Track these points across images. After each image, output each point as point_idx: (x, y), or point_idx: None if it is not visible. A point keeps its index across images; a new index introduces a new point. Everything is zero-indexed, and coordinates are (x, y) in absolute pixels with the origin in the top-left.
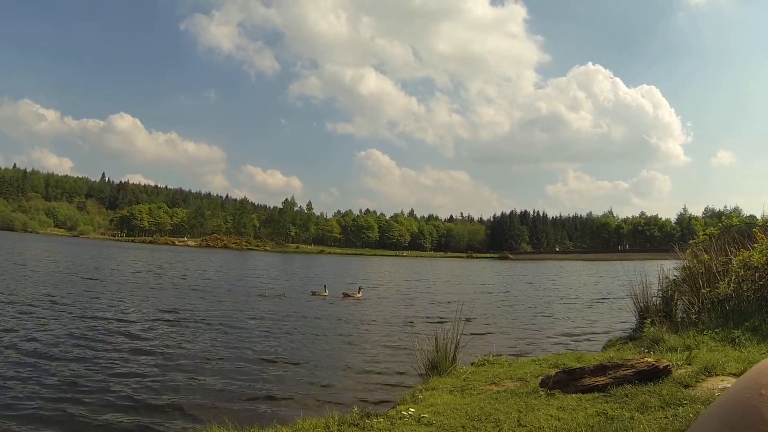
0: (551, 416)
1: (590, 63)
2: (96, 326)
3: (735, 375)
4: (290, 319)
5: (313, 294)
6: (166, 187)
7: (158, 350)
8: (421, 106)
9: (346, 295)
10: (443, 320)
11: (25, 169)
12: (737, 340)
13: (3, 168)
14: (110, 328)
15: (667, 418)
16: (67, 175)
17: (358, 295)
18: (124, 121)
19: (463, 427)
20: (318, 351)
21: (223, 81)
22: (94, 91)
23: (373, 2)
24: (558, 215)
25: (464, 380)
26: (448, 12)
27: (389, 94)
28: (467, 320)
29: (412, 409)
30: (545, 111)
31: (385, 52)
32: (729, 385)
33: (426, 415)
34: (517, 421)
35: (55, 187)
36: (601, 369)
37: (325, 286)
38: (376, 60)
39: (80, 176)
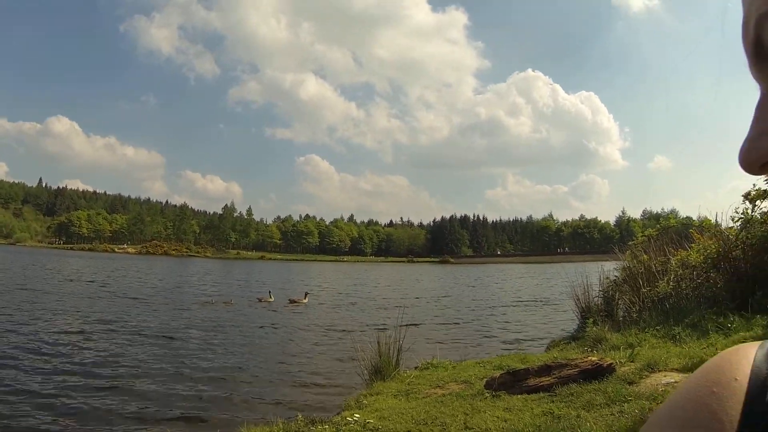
0: (498, 417)
1: (530, 69)
2: (15, 341)
3: (677, 370)
4: (236, 326)
5: (259, 300)
6: (105, 192)
7: (88, 365)
8: (361, 111)
9: (292, 301)
10: (386, 326)
11: None
12: (678, 337)
13: None
14: (33, 343)
15: (613, 414)
16: (2, 180)
17: (305, 301)
18: (62, 125)
19: (409, 431)
20: (261, 359)
21: (163, 85)
22: (31, 92)
23: (313, 8)
24: (498, 219)
25: (408, 384)
26: (388, 18)
27: (329, 99)
28: (410, 325)
29: (357, 415)
30: (485, 116)
31: (325, 57)
32: (672, 380)
33: (371, 421)
34: (464, 423)
35: None
36: (545, 369)
37: (269, 292)
38: (316, 65)
39: (16, 181)
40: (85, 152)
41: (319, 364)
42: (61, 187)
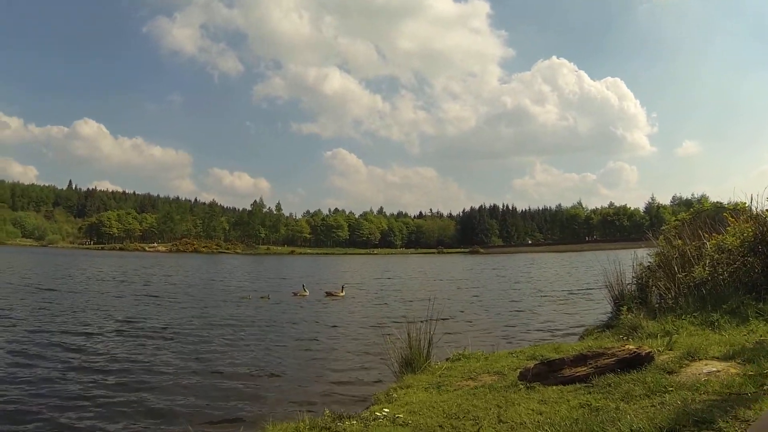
0: (533, 410)
1: (554, 57)
2: (61, 341)
3: (718, 358)
4: (272, 322)
5: (294, 294)
6: (134, 192)
7: (122, 365)
8: (386, 103)
9: (329, 294)
10: (418, 318)
11: None
12: (716, 324)
13: None
14: (74, 343)
15: (654, 406)
16: (33, 184)
17: (342, 294)
18: (89, 127)
19: (440, 426)
20: (293, 355)
21: (187, 84)
22: (57, 97)
23: (335, 1)
24: (527, 208)
25: (440, 376)
26: (410, 9)
27: (353, 93)
28: (441, 318)
29: (386, 410)
30: (510, 105)
31: (348, 51)
32: (714, 369)
33: (401, 415)
34: (497, 417)
35: (21, 196)
36: (581, 359)
37: (303, 286)
38: (340, 59)
39: (47, 184)
40: (113, 154)
41: (351, 358)
42: (90, 188)
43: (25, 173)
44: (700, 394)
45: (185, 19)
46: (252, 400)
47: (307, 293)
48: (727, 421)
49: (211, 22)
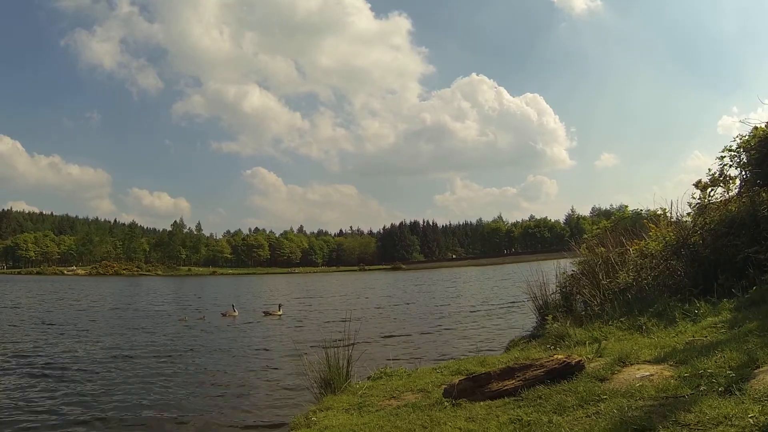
0: (459, 429)
1: (474, 73)
2: None
3: (650, 362)
4: (192, 346)
5: (223, 315)
6: (51, 213)
7: None
8: (306, 121)
9: (267, 314)
10: (339, 338)
11: None
12: (645, 327)
13: None
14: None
15: (590, 416)
16: None
17: (279, 312)
18: (3, 144)
19: None
20: (217, 378)
21: (106, 100)
22: None
23: (256, 18)
24: (448, 223)
25: (361, 396)
26: (331, 26)
27: (273, 111)
28: (362, 336)
29: None
30: (430, 122)
31: (268, 68)
32: (647, 373)
33: None
34: None
35: None
36: (508, 372)
37: (233, 306)
38: (260, 76)
39: None
40: (29, 172)
41: (272, 381)
42: (5, 209)
43: None
44: (636, 401)
45: (105, 33)
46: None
47: (236, 314)
48: (668, 427)
49: (131, 37)
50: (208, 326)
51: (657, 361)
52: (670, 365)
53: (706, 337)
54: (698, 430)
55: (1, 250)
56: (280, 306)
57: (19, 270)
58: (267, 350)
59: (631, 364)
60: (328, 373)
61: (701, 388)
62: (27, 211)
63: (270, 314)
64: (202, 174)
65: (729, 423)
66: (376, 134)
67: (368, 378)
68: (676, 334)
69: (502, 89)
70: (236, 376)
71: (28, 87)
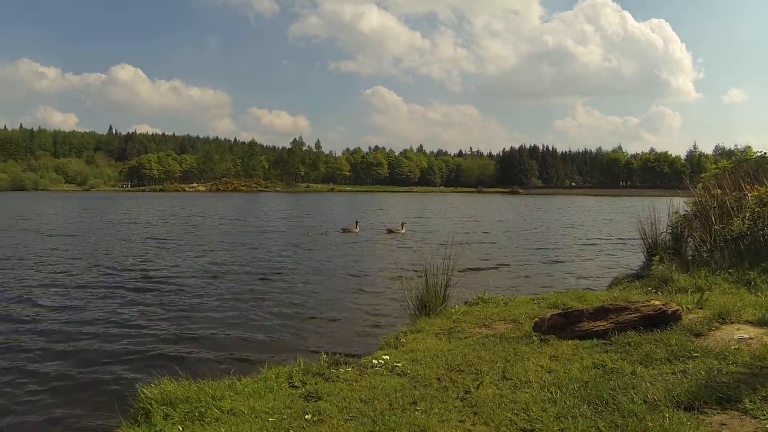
0: (541, 367)
1: None
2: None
3: (752, 323)
4: (312, 261)
5: (344, 231)
6: (173, 134)
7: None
8: (426, 40)
9: (390, 231)
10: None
11: (32, 129)
12: (753, 283)
13: (9, 129)
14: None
15: (675, 374)
16: (73, 131)
17: (402, 231)
18: (126, 72)
19: (438, 378)
20: (325, 294)
21: (223, 26)
22: (93, 44)
23: None
24: (567, 150)
25: (454, 321)
26: None
27: (392, 30)
28: (468, 258)
29: (386, 356)
30: (552, 44)
31: None
32: (746, 336)
33: (400, 364)
34: (502, 372)
35: (62, 143)
36: (602, 312)
37: (356, 222)
38: None
39: (87, 131)
40: (151, 97)
41: (379, 300)
42: (130, 132)
43: (65, 121)
44: (728, 365)
45: None
46: (268, 339)
47: (358, 230)
48: (755, 402)
49: None
50: (328, 242)
51: (760, 323)
52: None
53: None
54: None
55: (127, 169)
56: (402, 224)
57: (143, 188)
58: (380, 270)
59: (731, 323)
60: (426, 296)
61: None
62: (150, 133)
63: (393, 232)
64: (321, 93)
65: None
66: (498, 55)
67: (465, 303)
68: None
69: (626, 13)
70: (343, 294)
71: (147, 17)
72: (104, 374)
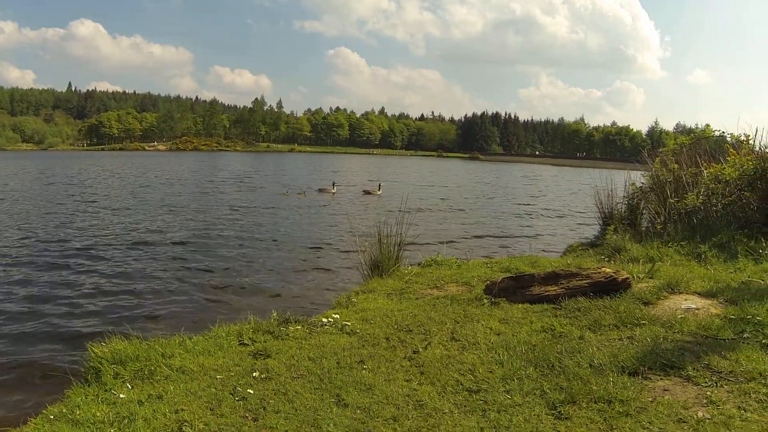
0: (491, 329)
1: None
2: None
3: (700, 294)
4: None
5: (321, 191)
6: (134, 92)
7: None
8: (391, 2)
9: (366, 192)
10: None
11: None
12: (703, 256)
13: None
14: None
15: (621, 340)
16: (31, 88)
17: (379, 192)
18: (86, 28)
19: (387, 338)
20: (287, 251)
21: None
22: None
23: None
24: (530, 119)
25: (406, 282)
26: None
27: None
28: (424, 221)
29: (335, 315)
30: (519, 13)
31: None
32: (693, 306)
33: (350, 323)
34: (451, 333)
35: (20, 101)
36: (553, 277)
37: (333, 183)
38: None
39: (45, 88)
40: (112, 54)
41: (336, 261)
42: (90, 90)
43: (22, 77)
44: (674, 333)
45: None
46: (217, 304)
47: (335, 191)
48: (698, 370)
49: None
50: (308, 203)
51: (707, 294)
52: (719, 302)
53: (764, 280)
54: (729, 380)
55: (86, 128)
56: (380, 185)
57: (102, 147)
58: (347, 231)
59: (680, 293)
60: (379, 256)
61: (744, 335)
62: (111, 91)
63: (370, 193)
64: (284, 53)
65: (763, 381)
66: (464, 21)
67: (418, 264)
68: (734, 271)
69: None
70: (301, 255)
71: None
72: (55, 341)
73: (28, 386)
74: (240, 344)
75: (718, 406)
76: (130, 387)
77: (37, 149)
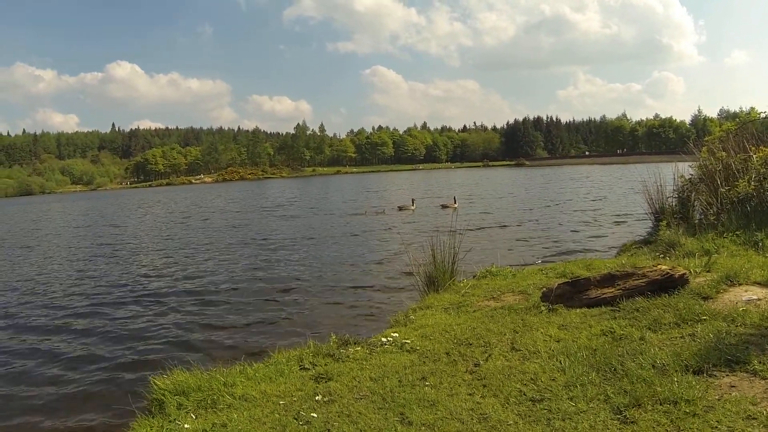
0: (550, 337)
1: None
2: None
3: (760, 284)
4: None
5: (400, 209)
6: (176, 127)
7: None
8: (421, 16)
9: (444, 206)
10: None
11: (35, 132)
12: (761, 244)
13: (12, 135)
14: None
15: (683, 338)
16: (76, 132)
17: (455, 206)
18: (122, 69)
19: (447, 353)
20: (340, 271)
21: (216, 14)
22: (86, 44)
23: None
24: (571, 120)
25: (462, 296)
26: None
27: (387, 7)
28: (477, 228)
29: (395, 334)
30: (549, 13)
31: None
32: (755, 297)
33: (409, 341)
34: (511, 343)
35: (66, 144)
36: (609, 279)
37: (413, 200)
38: None
39: (90, 130)
40: (150, 92)
41: (395, 276)
42: (133, 128)
43: (66, 122)
44: (737, 327)
45: None
46: (276, 325)
47: (414, 207)
48: (764, 363)
49: None
50: (386, 219)
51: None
52: None
53: None
54: None
55: (133, 166)
56: (455, 199)
57: (150, 183)
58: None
59: (739, 284)
60: (434, 271)
61: None
62: (153, 128)
63: (447, 207)
64: (320, 75)
65: None
66: (495, 27)
67: (474, 276)
68: None
69: None
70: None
71: (138, 12)
72: (117, 373)
73: (94, 420)
74: (301, 369)
75: None
76: (194, 417)
77: (86, 190)
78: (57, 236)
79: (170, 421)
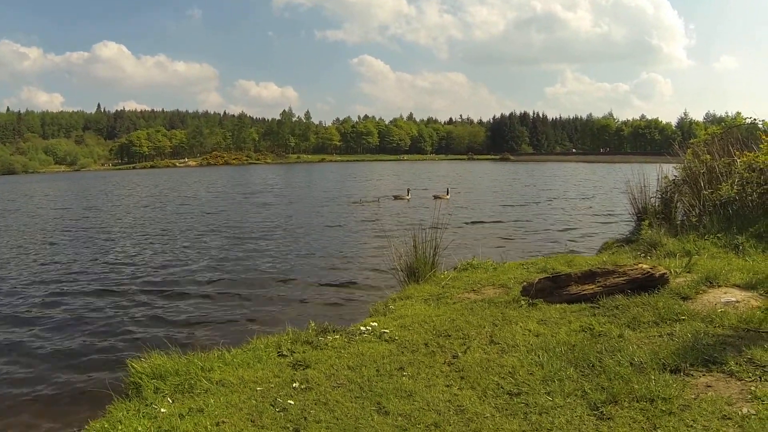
0: (529, 331)
1: None
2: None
3: (739, 286)
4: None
5: (396, 198)
6: (162, 110)
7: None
8: (411, 7)
9: (436, 197)
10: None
11: (19, 111)
12: (741, 247)
13: None
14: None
15: (661, 337)
16: (62, 111)
17: (447, 197)
18: (109, 49)
19: (426, 344)
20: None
21: None
22: (73, 24)
23: None
24: (558, 117)
25: (443, 287)
26: None
27: None
28: (457, 225)
29: (373, 323)
30: (540, 10)
31: None
32: (733, 299)
33: (388, 330)
34: (490, 337)
35: (51, 124)
36: (589, 276)
37: (408, 190)
38: None
39: (75, 110)
40: (137, 73)
41: (375, 266)
42: (118, 110)
43: (51, 101)
44: (714, 327)
45: None
46: (256, 312)
47: (410, 197)
48: (740, 364)
49: None
50: (385, 208)
51: (747, 286)
52: (760, 294)
53: None
54: None
55: (117, 147)
56: (448, 190)
57: (134, 165)
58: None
59: (719, 286)
60: (415, 262)
61: None
62: (139, 110)
63: (439, 197)
64: (308, 63)
65: None
66: (485, 21)
67: (454, 268)
68: None
69: None
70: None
71: None
72: (94, 355)
73: (70, 403)
74: (279, 355)
75: (762, 401)
76: (170, 401)
77: (69, 170)
78: (31, 217)
79: (146, 405)
